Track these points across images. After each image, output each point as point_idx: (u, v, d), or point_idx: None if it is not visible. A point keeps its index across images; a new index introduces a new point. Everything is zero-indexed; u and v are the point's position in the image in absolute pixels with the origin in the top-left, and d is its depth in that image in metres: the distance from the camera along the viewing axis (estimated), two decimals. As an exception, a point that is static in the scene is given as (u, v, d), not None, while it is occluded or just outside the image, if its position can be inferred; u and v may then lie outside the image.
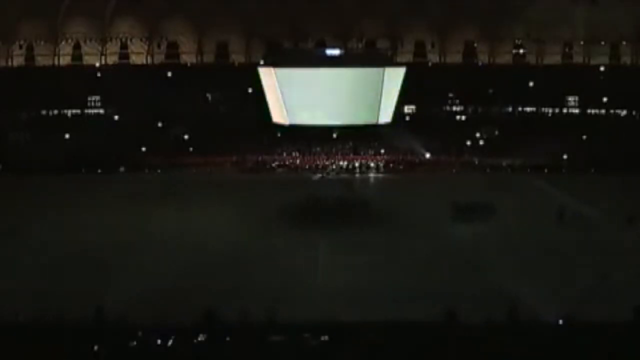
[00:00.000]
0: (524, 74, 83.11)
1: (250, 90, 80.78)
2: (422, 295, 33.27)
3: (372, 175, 75.43)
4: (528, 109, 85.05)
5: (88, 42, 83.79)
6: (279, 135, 79.17)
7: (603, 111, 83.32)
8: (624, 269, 37.51)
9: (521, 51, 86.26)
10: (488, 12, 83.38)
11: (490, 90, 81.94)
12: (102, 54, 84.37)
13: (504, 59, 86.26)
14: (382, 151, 79.32)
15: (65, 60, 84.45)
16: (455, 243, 43.80)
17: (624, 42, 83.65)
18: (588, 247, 43.25)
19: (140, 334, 22.88)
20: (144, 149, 77.04)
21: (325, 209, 54.26)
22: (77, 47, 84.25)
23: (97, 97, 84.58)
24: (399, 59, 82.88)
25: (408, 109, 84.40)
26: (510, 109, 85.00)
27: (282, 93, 76.54)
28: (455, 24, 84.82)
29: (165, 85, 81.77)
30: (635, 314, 24.69)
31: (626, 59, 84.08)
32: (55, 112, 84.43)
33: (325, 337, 22.55)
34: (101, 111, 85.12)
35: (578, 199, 56.96)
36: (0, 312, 26.45)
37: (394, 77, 77.76)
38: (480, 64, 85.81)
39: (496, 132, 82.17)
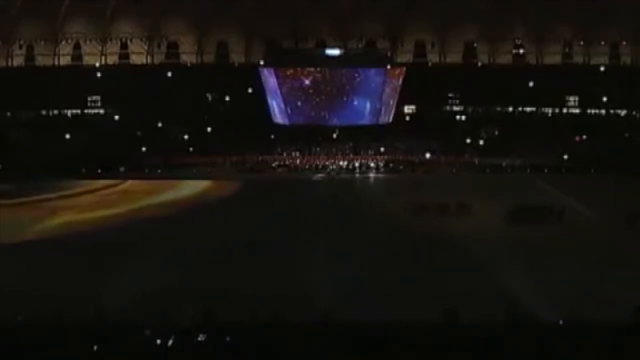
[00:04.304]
0: (524, 74, 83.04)
1: (250, 90, 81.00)
2: (422, 295, 33.29)
3: (372, 175, 75.49)
4: (528, 109, 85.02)
5: (88, 42, 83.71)
6: (279, 135, 79.27)
7: (603, 111, 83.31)
8: (624, 268, 37.50)
9: (521, 51, 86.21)
10: (488, 12, 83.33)
11: (490, 91, 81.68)
12: (102, 54, 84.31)
13: (504, 59, 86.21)
14: (382, 151, 79.30)
15: (65, 60, 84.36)
16: (455, 243, 43.78)
17: (624, 42, 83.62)
18: (588, 246, 43.26)
19: (140, 333, 22.91)
20: (144, 149, 77.08)
21: (326, 209, 54.27)
22: (77, 47, 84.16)
23: (97, 97, 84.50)
24: (399, 59, 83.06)
25: (408, 109, 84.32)
26: (510, 109, 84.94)
27: (282, 93, 76.91)
28: (455, 24, 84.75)
29: (165, 85, 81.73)
30: (635, 314, 24.70)
31: (626, 59, 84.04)
32: (55, 112, 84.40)
33: (325, 337, 22.56)
34: (101, 111, 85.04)
35: (578, 199, 57.01)
36: (0, 312, 26.48)
37: (393, 77, 78.23)
38: (480, 64, 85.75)
39: (496, 132, 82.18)
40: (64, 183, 65.60)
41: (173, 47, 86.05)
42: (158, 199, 61.26)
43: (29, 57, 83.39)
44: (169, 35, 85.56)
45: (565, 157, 74.53)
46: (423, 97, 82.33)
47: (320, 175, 74.59)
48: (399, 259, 40.70)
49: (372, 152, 79.58)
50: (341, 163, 77.64)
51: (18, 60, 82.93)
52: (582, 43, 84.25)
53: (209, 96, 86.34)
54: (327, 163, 77.44)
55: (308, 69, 76.47)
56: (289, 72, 76.56)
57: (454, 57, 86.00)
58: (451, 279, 36.31)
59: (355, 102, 77.01)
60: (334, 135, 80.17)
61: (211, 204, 59.94)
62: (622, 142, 75.89)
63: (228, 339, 22.50)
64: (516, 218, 50.21)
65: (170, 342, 22.24)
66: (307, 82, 76.48)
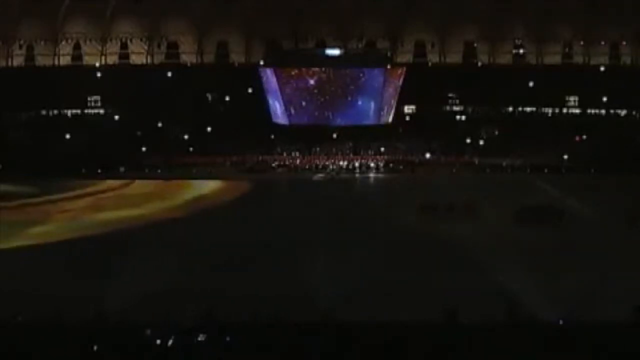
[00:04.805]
0: (524, 74, 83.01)
1: (250, 90, 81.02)
2: (422, 295, 33.29)
3: (372, 175, 75.54)
4: (528, 109, 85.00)
5: (88, 42, 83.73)
6: (279, 135, 79.27)
7: (603, 111, 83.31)
8: (624, 268, 37.50)
9: (521, 51, 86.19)
10: (488, 12, 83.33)
11: (490, 91, 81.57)
12: (102, 54, 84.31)
13: (504, 59, 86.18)
14: (382, 151, 79.30)
15: (65, 60, 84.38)
16: (454, 243, 43.79)
17: (624, 42, 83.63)
18: (588, 246, 43.25)
19: (140, 333, 22.91)
20: (144, 149, 77.09)
21: (326, 209, 54.31)
22: (77, 47, 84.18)
23: (97, 97, 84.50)
24: (399, 59, 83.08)
25: (408, 109, 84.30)
26: (510, 109, 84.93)
27: (282, 93, 76.93)
28: (455, 24, 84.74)
29: (165, 85, 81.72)
30: (635, 314, 24.70)
31: (626, 59, 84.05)
32: (55, 112, 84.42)
33: (325, 337, 22.56)
34: (101, 111, 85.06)
35: (578, 199, 57.02)
36: (0, 312, 26.48)
37: (394, 77, 78.26)
38: (480, 64, 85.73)
39: (496, 132, 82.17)
40: (64, 183, 65.63)
41: (173, 47, 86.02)
42: (157, 200, 61.23)
43: (29, 57, 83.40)
44: (169, 35, 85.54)
45: (565, 157, 74.55)
46: (423, 97, 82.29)
47: (320, 175, 74.61)
48: (399, 259, 40.71)
49: (372, 152, 79.58)
50: (341, 163, 77.67)
51: (18, 60, 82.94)
52: (582, 43, 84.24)
53: (209, 96, 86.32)
54: (327, 163, 77.47)
55: (308, 69, 76.52)
56: (289, 72, 76.61)
57: (454, 57, 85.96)
58: (451, 279, 36.30)
59: (356, 102, 77.05)
60: (334, 135, 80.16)
61: (210, 205, 59.95)
62: (622, 142, 75.89)
63: (228, 339, 22.50)
64: (516, 218, 50.21)
65: (170, 342, 22.24)
66: (307, 82, 76.54)
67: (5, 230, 47.81)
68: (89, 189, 64.96)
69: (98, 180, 68.56)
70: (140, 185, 68.10)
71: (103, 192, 65.09)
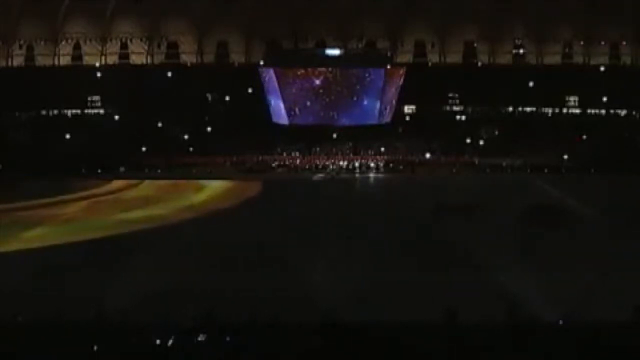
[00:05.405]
0: (524, 74, 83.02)
1: (250, 90, 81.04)
2: (423, 296, 33.30)
3: (372, 175, 75.57)
4: (528, 109, 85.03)
5: (88, 42, 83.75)
6: (279, 135, 79.29)
7: (603, 111, 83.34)
8: (624, 268, 37.50)
9: (521, 51, 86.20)
10: (488, 12, 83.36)
11: (490, 91, 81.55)
12: (102, 54, 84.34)
13: (504, 59, 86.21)
14: (382, 151, 79.32)
15: (65, 60, 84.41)
16: (454, 242, 43.80)
17: (624, 42, 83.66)
18: (588, 246, 43.24)
19: (140, 333, 22.91)
20: (144, 149, 77.10)
21: (326, 209, 54.33)
22: (77, 47, 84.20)
23: (97, 97, 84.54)
24: (399, 59, 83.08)
25: (408, 109, 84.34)
26: (510, 109, 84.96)
27: (282, 93, 76.93)
28: (455, 24, 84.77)
29: (165, 85, 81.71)
30: (635, 314, 24.69)
31: (626, 59, 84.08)
32: (55, 112, 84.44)
33: (325, 337, 22.56)
34: (101, 111, 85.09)
35: (578, 199, 57.03)
36: (0, 312, 26.48)
37: (394, 77, 78.27)
38: (480, 64, 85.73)
39: (496, 132, 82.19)
40: (64, 184, 65.62)
41: (173, 47, 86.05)
42: (158, 201, 61.23)
43: (29, 57, 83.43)
44: (169, 35, 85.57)
45: (565, 157, 74.57)
46: (423, 97, 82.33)
47: (320, 175, 74.65)
48: (399, 259, 40.72)
49: (372, 152, 79.61)
50: (341, 163, 77.71)
51: (18, 60, 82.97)
52: (582, 43, 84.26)
53: (209, 96, 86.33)
54: (327, 163, 77.52)
55: (308, 69, 76.53)
56: (289, 72, 76.60)
57: (454, 57, 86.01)
58: (452, 279, 36.31)
59: (356, 103, 77.06)
60: (334, 135, 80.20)
61: (210, 206, 59.96)
62: (622, 142, 75.92)
63: (228, 339, 22.50)
64: (515, 218, 50.19)
65: (170, 342, 22.24)
66: (307, 82, 76.54)
67: (6, 231, 47.86)
68: (92, 190, 64.92)
69: (103, 181, 68.49)
70: (142, 187, 68.07)
71: (104, 193, 65.05)
